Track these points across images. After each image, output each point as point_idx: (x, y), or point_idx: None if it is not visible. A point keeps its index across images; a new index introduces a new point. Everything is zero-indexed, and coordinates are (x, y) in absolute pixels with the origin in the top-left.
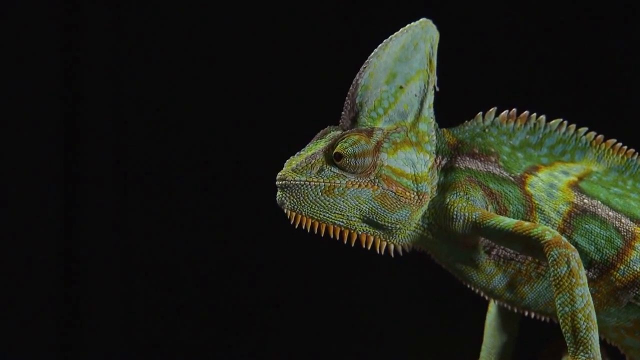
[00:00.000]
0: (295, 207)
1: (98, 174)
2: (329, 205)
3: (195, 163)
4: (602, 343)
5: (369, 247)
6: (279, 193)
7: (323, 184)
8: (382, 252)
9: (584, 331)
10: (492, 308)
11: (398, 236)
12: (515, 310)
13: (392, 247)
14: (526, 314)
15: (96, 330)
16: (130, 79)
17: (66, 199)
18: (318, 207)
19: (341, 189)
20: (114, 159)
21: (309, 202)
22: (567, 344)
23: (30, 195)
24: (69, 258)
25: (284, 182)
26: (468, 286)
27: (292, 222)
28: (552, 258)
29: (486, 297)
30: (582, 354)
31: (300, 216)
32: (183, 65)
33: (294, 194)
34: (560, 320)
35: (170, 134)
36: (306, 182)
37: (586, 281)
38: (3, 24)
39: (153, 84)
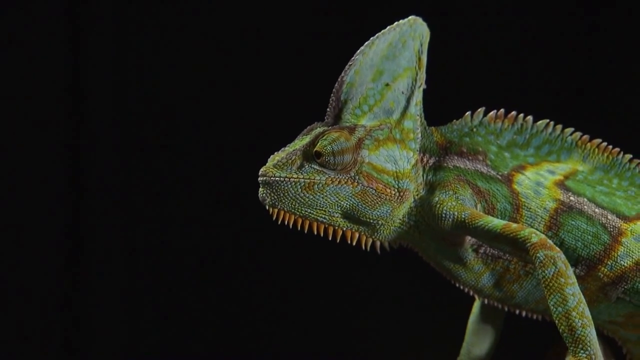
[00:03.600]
0: (276, 203)
1: (101, 173)
2: (309, 202)
3: (191, 164)
4: (605, 339)
5: (354, 243)
6: (260, 189)
7: (302, 180)
8: (368, 249)
9: (580, 329)
10: (476, 309)
11: (382, 232)
12: (506, 309)
13: (378, 243)
14: (517, 312)
15: (97, 333)
16: (132, 77)
17: (66, 201)
18: (298, 203)
19: (320, 185)
20: (116, 160)
21: (289, 198)
22: (567, 344)
23: (34, 195)
24: (69, 259)
25: (265, 178)
26: (457, 285)
27: (274, 219)
28: (538, 260)
29: (476, 296)
30: (581, 351)
31: (282, 212)
32: (179, 67)
33: (274, 190)
34: (556, 322)
35: (167, 133)
36: (286, 178)
37: (575, 280)
38: (5, 25)
39: (151, 82)
